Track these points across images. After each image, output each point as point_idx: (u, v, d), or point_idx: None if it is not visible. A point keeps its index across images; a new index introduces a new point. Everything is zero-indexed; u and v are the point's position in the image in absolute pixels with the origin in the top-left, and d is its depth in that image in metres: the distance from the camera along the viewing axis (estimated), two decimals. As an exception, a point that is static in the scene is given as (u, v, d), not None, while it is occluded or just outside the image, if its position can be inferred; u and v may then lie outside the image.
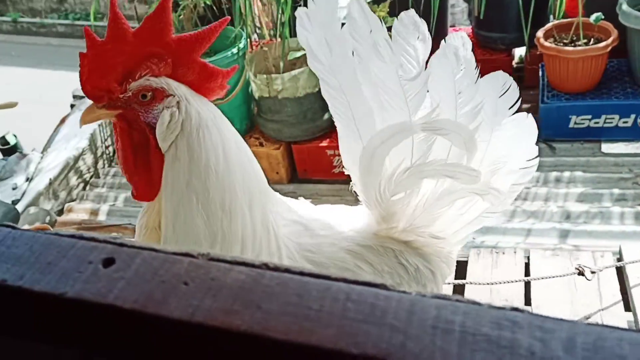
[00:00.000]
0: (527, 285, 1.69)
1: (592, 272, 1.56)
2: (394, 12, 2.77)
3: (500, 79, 1.10)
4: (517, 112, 1.15)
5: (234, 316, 0.47)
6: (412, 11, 1.04)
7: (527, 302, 1.66)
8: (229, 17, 1.02)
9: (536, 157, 1.13)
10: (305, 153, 3.17)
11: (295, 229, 1.10)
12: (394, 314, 0.47)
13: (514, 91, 1.11)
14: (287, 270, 0.51)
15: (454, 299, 0.47)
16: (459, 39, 1.08)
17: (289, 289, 0.50)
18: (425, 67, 1.03)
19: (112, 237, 0.55)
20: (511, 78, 1.11)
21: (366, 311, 0.47)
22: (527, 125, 1.13)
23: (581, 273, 1.56)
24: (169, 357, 0.48)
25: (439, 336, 0.44)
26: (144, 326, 0.49)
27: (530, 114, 1.12)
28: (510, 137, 1.11)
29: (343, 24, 1.02)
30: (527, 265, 1.75)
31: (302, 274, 0.51)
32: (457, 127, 1.00)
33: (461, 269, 1.74)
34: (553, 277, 1.55)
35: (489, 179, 1.08)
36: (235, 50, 3.04)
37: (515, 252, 1.77)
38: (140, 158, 0.98)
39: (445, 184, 1.07)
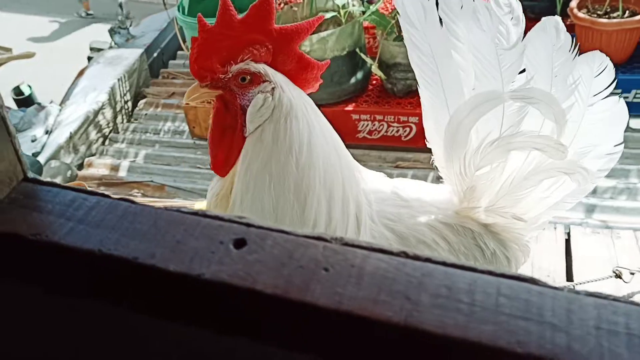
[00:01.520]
0: (569, 260, 1.68)
1: (632, 274, 1.54)
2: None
3: (597, 59, 1.07)
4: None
5: (383, 307, 0.46)
6: None
7: (569, 278, 1.65)
8: (323, 16, 1.04)
9: (621, 143, 1.10)
10: (331, 116, 3.07)
11: (378, 196, 1.09)
12: (552, 312, 0.45)
13: (610, 73, 1.07)
14: (428, 260, 0.50)
15: (612, 298, 0.46)
16: (554, 21, 1.05)
17: (435, 280, 0.48)
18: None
19: (237, 217, 0.53)
20: (608, 59, 1.07)
21: (522, 307, 0.45)
22: (619, 110, 1.10)
23: (618, 276, 1.54)
24: (318, 346, 0.47)
25: (604, 338, 0.43)
26: (288, 313, 0.47)
27: (622, 99, 1.09)
28: (601, 120, 1.08)
29: None
30: (567, 242, 1.74)
31: (445, 264, 0.50)
32: (547, 97, 0.97)
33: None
34: (594, 280, 1.54)
35: (577, 160, 1.06)
36: (263, 8, 2.97)
37: (555, 228, 1.76)
38: (227, 138, 1.03)
39: (532, 164, 1.05)
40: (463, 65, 1.05)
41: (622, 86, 3.00)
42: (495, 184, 1.07)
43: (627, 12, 2.99)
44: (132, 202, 0.55)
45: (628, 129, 3.00)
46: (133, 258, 0.50)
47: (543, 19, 1.04)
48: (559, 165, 1.02)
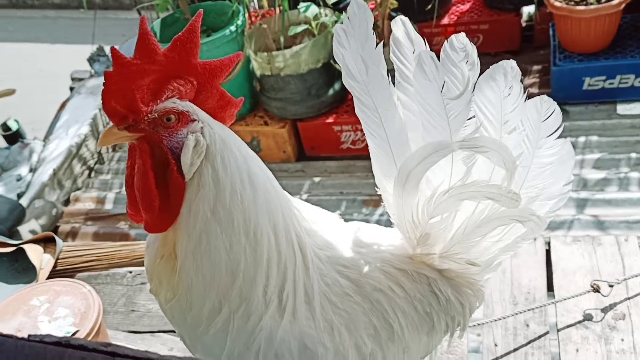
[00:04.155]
0: (549, 274, 1.63)
1: (610, 286, 1.50)
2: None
3: (545, 104, 1.05)
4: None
5: None
6: (462, 35, 0.99)
7: (550, 289, 1.60)
8: (241, 53, 0.98)
9: (570, 182, 1.08)
10: (312, 130, 3.09)
11: (329, 241, 1.06)
12: None
13: (558, 116, 1.05)
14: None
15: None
16: (507, 65, 1.02)
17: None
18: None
19: (103, 345, 0.50)
20: (555, 103, 1.05)
21: None
22: (566, 151, 1.07)
23: (597, 290, 1.50)
24: None
25: None
26: None
27: (569, 140, 1.07)
28: (550, 163, 1.06)
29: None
30: (548, 253, 1.68)
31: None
32: (497, 145, 0.95)
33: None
34: (575, 296, 1.49)
35: (529, 204, 1.03)
36: (233, 27, 2.93)
37: (535, 239, 1.70)
38: (160, 185, 0.93)
39: (485, 211, 1.02)
40: (414, 110, 1.02)
41: (606, 72, 2.95)
42: (449, 231, 1.06)
43: (605, -4, 2.92)
44: (-6, 334, 0.52)
45: (615, 115, 2.95)
46: (-18, 409, 0.46)
47: (492, 66, 1.01)
48: (512, 213, 1.00)
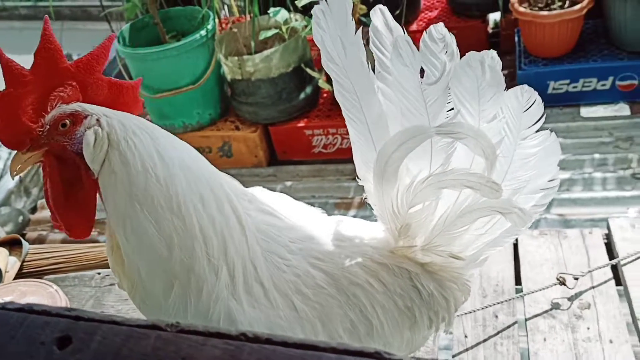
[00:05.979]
0: (517, 267, 1.65)
1: (575, 279, 1.53)
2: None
3: (527, 93, 1.03)
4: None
5: (210, 405, 0.42)
6: (441, 25, 0.98)
7: (518, 281, 1.63)
8: (114, 34, 1.01)
9: (556, 178, 1.07)
10: (283, 134, 3.10)
11: (305, 234, 1.04)
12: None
13: (539, 107, 1.04)
14: (268, 341, 0.46)
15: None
16: (487, 55, 1.01)
17: (271, 366, 0.44)
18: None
19: (67, 309, 0.49)
20: (536, 93, 1.04)
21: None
22: (551, 142, 1.06)
23: (562, 283, 1.52)
24: None
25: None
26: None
27: (554, 132, 1.06)
28: (534, 155, 1.05)
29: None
30: (515, 247, 1.71)
31: (285, 344, 0.45)
32: (475, 132, 0.94)
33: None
34: (541, 289, 1.53)
35: (513, 197, 1.03)
36: (203, 32, 2.92)
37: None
38: (73, 192, 0.96)
39: (466, 201, 1.01)
40: (393, 99, 1.02)
41: (569, 76, 3.02)
42: (430, 222, 1.04)
43: (567, 2, 2.99)
44: (-45, 302, 0.51)
45: (579, 117, 3.01)
46: (-58, 374, 0.45)
47: (467, 54, 1.01)
48: (493, 204, 0.98)
